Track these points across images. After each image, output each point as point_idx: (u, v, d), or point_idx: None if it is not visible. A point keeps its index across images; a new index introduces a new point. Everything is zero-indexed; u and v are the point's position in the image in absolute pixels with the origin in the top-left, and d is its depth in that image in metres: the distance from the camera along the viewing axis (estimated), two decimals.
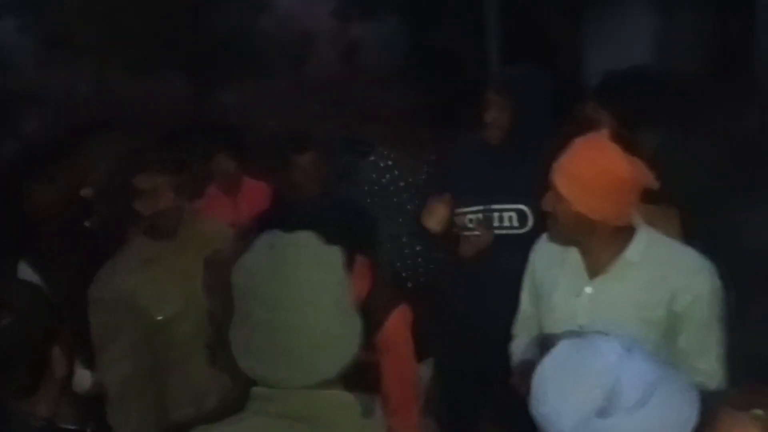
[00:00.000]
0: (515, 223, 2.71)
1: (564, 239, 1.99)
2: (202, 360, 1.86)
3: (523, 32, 8.89)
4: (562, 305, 2.02)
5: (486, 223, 2.70)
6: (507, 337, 2.35)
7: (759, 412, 1.21)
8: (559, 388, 1.32)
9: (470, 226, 2.74)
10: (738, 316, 2.03)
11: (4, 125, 8.91)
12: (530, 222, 2.68)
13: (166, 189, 2.31)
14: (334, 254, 1.33)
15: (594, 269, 1.97)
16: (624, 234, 1.93)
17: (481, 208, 2.73)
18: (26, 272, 2.48)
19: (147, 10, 9.55)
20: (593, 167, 1.81)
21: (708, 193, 2.49)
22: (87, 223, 2.61)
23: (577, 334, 1.38)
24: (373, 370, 2.18)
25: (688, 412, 1.25)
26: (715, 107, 6.63)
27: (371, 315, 2.07)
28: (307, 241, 1.32)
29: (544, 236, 2.14)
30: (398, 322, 2.18)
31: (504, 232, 2.71)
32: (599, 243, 1.93)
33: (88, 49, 10.06)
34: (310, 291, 1.27)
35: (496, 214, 2.71)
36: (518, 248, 2.37)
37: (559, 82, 2.75)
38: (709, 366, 1.92)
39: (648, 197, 1.96)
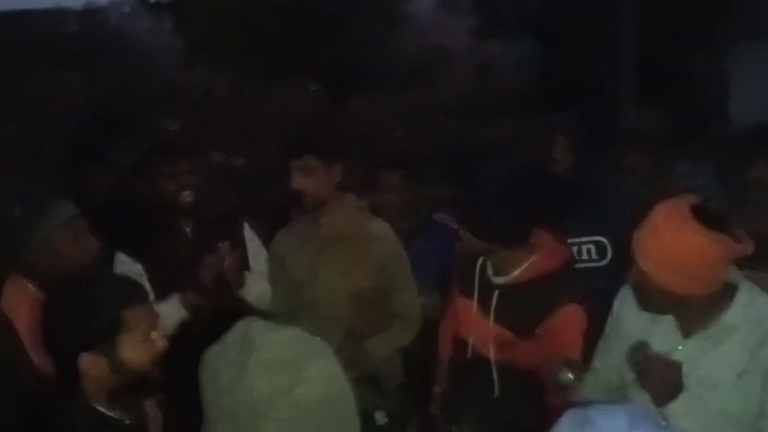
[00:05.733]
0: (594, 256, 2.73)
1: (655, 310, 1.88)
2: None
3: (658, 67, 8.53)
4: None
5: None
6: None
7: None
8: None
9: None
10: None
11: (149, 123, 9.51)
12: (609, 254, 2.70)
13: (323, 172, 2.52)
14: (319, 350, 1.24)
15: (688, 330, 1.86)
16: (722, 295, 1.80)
17: None
18: (125, 261, 2.61)
19: (281, 20, 9.91)
20: (674, 249, 1.71)
21: None
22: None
23: (583, 405, 1.28)
24: None
25: None
26: None
27: (543, 297, 2.09)
28: (284, 341, 1.21)
29: (628, 286, 1.99)
30: (571, 317, 2.09)
31: (584, 265, 2.68)
32: (694, 309, 1.81)
33: (227, 53, 10.51)
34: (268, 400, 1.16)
35: (575, 248, 2.68)
36: (599, 280, 2.43)
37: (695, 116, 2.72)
38: None
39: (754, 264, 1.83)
